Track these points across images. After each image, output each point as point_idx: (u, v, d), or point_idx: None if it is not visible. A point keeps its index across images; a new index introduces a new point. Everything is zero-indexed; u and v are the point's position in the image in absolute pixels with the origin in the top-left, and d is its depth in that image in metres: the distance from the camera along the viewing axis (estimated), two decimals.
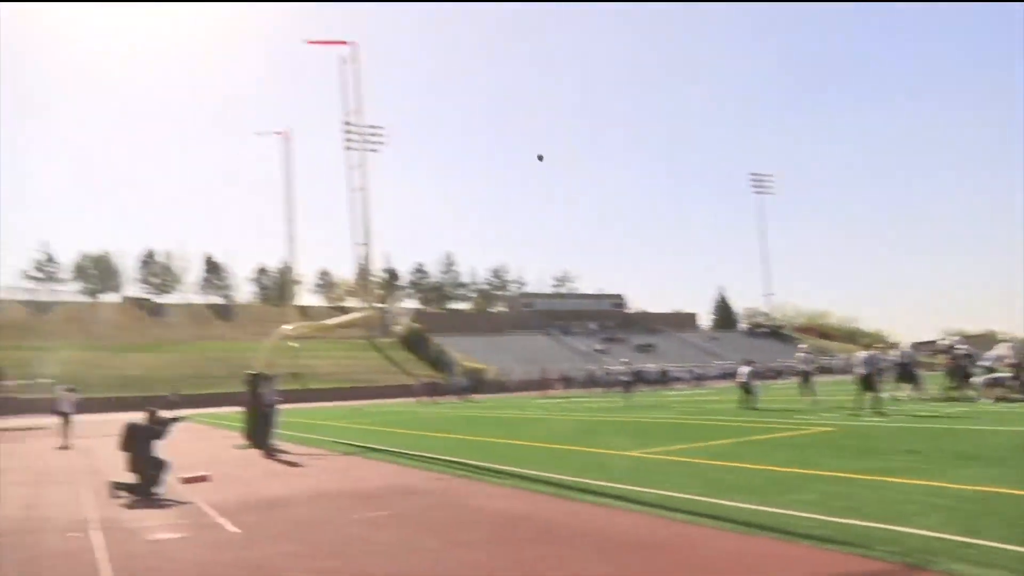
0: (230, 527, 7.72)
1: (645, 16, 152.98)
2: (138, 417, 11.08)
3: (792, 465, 10.10)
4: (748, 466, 10.30)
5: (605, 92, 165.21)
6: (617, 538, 6.47)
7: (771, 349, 78.59)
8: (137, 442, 10.50)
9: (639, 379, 50.86)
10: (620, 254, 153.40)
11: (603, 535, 6.60)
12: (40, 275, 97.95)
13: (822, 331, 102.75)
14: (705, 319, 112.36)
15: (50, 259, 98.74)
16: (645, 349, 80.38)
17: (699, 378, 56.07)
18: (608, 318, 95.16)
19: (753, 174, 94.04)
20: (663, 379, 53.74)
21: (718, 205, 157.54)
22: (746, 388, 23.52)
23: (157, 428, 10.84)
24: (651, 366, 57.87)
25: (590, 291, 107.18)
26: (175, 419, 11.34)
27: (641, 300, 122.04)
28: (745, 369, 24.09)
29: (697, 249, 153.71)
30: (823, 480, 8.80)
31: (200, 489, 10.61)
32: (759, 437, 14.49)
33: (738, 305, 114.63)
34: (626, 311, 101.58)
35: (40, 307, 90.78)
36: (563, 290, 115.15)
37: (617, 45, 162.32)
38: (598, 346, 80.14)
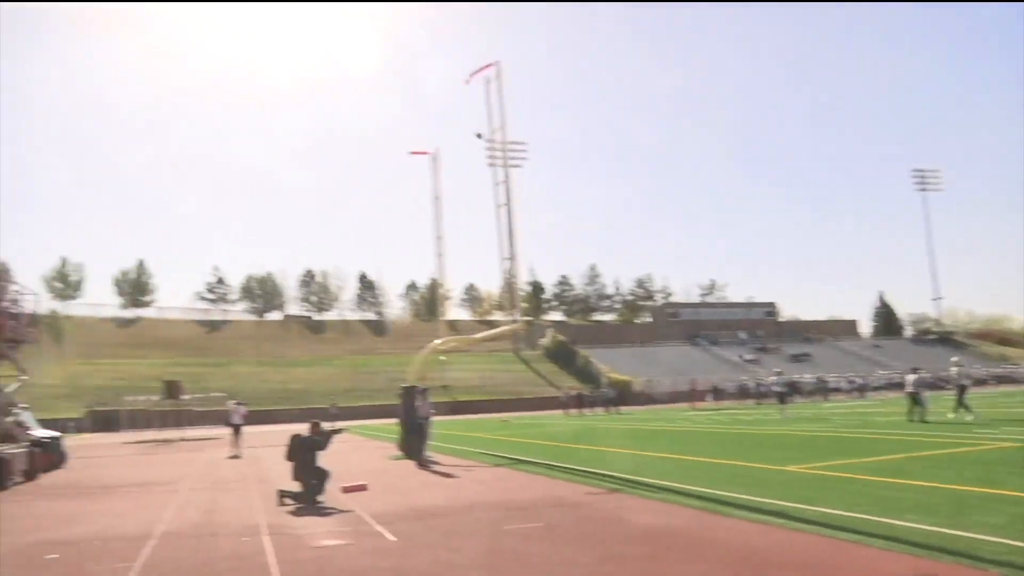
0: (388, 535, 7.96)
1: (792, 15, 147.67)
2: (302, 429, 11.67)
3: (973, 483, 9.32)
4: (921, 483, 9.57)
5: (752, 92, 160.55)
6: (778, 557, 6.15)
7: (941, 357, 73.10)
8: (301, 452, 11.06)
9: (794, 390, 48.78)
10: (772, 261, 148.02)
11: (762, 554, 6.30)
12: (212, 296, 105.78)
13: (1001, 337, 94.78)
14: (865, 326, 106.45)
15: (220, 281, 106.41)
16: (800, 359, 76.94)
17: (860, 388, 52.95)
18: (759, 327, 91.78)
19: (916, 170, 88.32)
20: (820, 389, 51.22)
21: (878, 204, 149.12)
22: (914, 398, 21.98)
23: (319, 439, 11.37)
24: (807, 376, 55.32)
25: (739, 300, 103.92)
26: (336, 431, 11.86)
27: (795, 308, 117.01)
28: (911, 377, 22.53)
29: (856, 253, 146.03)
30: (1011, 501, 8.05)
31: (359, 498, 11.03)
32: (932, 452, 13.48)
33: (902, 311, 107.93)
34: (779, 319, 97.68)
35: (213, 326, 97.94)
36: (710, 299, 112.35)
37: (765, 44, 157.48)
38: (749, 356, 77.45)
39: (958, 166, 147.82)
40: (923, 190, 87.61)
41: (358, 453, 20.48)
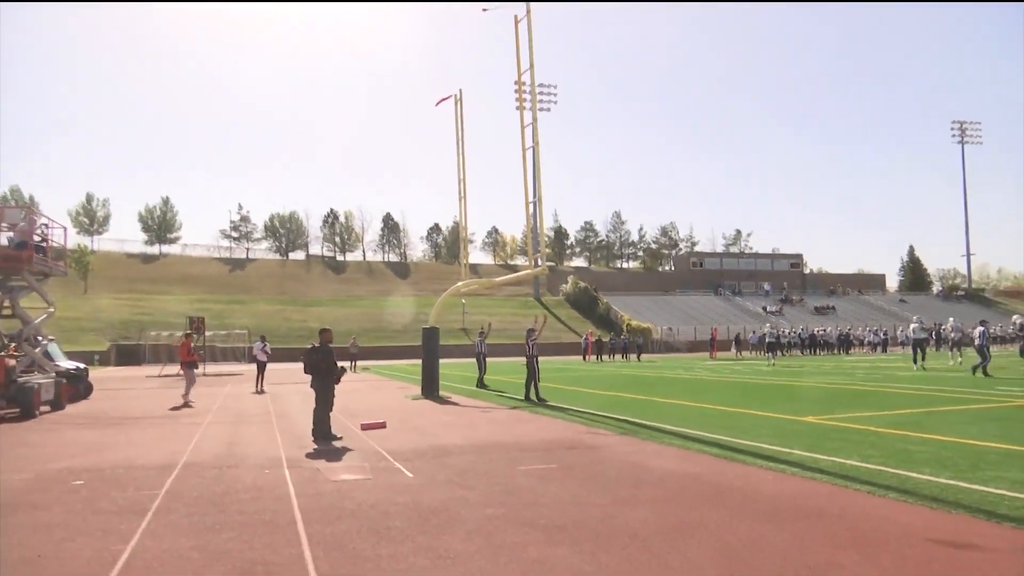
0: (406, 472, 8.07)
1: None
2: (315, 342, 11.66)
3: (992, 439, 9.25)
4: (938, 437, 9.54)
5: (785, 36, 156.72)
6: (792, 505, 6.16)
7: (969, 314, 72.36)
8: (320, 362, 11.05)
9: (815, 342, 48.54)
10: (800, 213, 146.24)
11: (777, 501, 6.32)
12: (236, 235, 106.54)
13: None
14: (893, 281, 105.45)
15: (245, 220, 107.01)
16: (824, 311, 76.52)
17: (883, 343, 52.57)
18: (784, 279, 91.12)
19: (955, 121, 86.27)
20: (843, 343, 51.00)
21: (914, 156, 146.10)
22: (980, 351, 21.30)
23: (329, 349, 11.35)
24: (829, 329, 55.04)
25: (765, 251, 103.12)
26: (343, 369, 11.72)
27: (822, 261, 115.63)
28: (979, 330, 21.73)
29: (888, 206, 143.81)
30: None
31: (377, 436, 11.19)
32: (952, 408, 13.41)
33: (932, 266, 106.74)
34: (804, 272, 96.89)
35: (236, 264, 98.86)
36: (735, 249, 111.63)
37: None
38: (772, 307, 77.05)
39: (999, 119, 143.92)
40: (962, 143, 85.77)
41: (378, 393, 20.72)
